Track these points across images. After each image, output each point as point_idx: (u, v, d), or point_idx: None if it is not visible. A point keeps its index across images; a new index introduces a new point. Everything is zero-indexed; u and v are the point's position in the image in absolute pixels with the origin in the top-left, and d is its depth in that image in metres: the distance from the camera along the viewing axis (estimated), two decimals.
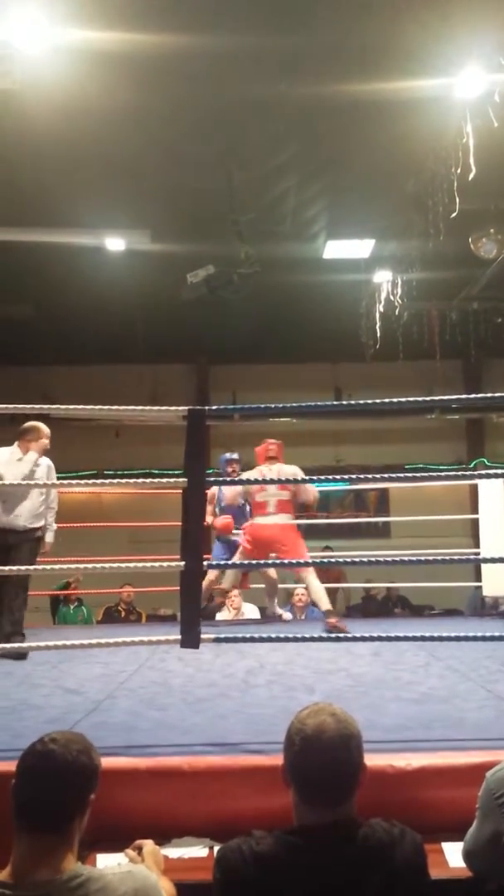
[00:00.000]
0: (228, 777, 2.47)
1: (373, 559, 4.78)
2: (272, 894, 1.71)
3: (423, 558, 4.26)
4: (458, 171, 6.25)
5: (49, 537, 5.47)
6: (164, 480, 3.78)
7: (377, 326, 9.63)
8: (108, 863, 2.10)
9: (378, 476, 4.58)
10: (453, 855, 2.21)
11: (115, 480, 4.90)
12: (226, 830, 2.06)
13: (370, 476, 4.71)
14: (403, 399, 3.35)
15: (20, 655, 4.68)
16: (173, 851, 2.28)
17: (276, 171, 7.40)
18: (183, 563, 3.20)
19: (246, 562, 6.17)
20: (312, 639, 3.63)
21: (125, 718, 3.15)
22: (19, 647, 4.49)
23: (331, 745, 1.80)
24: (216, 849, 1.94)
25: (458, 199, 6.48)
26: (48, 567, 4.59)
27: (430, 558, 4.27)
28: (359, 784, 1.84)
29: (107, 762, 2.42)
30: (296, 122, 6.65)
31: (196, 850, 2.32)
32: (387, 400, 3.34)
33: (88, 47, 5.45)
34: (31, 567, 4.40)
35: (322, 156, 7.24)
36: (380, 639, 3.27)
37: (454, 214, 6.64)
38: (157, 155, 7.03)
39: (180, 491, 3.33)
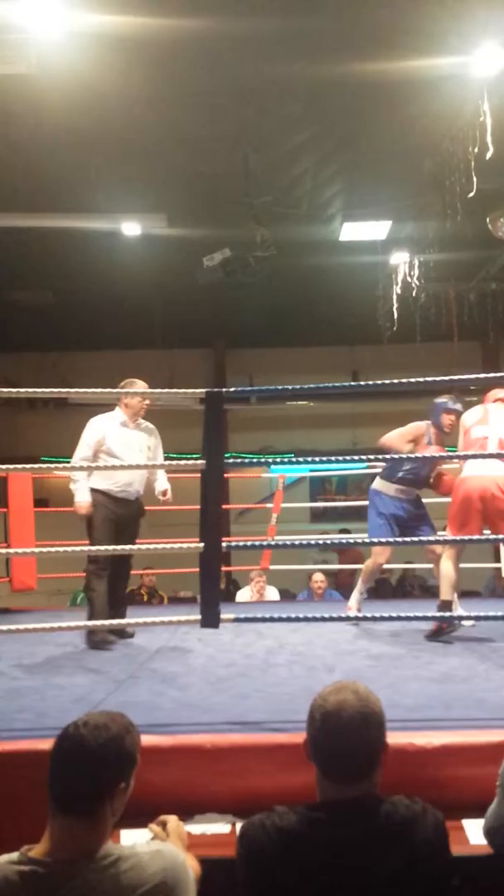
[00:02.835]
0: (250, 754, 2.50)
1: (393, 540, 4.79)
2: (295, 869, 1.74)
3: (441, 538, 4.26)
4: (476, 150, 6.18)
5: (167, 488, 5.04)
6: (182, 463, 3.79)
7: (394, 309, 9.57)
8: (133, 838, 2.14)
9: (396, 457, 4.57)
10: (474, 832, 2.23)
11: (134, 464, 4.90)
12: (248, 807, 2.09)
13: (388, 457, 4.71)
14: (421, 379, 3.35)
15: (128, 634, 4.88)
16: (196, 827, 2.32)
17: (291, 154, 7.36)
18: (202, 544, 3.22)
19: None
20: (331, 619, 3.65)
21: (147, 698, 3.19)
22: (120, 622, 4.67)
23: (350, 722, 1.83)
24: (238, 825, 1.97)
25: (475, 179, 6.41)
26: (69, 549, 4.64)
27: (450, 538, 4.27)
28: (380, 762, 1.86)
29: None
30: (311, 104, 6.60)
31: (219, 827, 2.35)
32: (404, 380, 3.33)
33: (103, 31, 5.42)
34: (54, 549, 4.44)
35: (338, 137, 7.19)
36: (398, 619, 3.28)
37: (472, 194, 6.57)
38: (173, 138, 7.01)
39: (198, 474, 3.34)
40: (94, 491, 4.77)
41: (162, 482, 5.05)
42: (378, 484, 5.31)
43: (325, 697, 1.89)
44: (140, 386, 4.99)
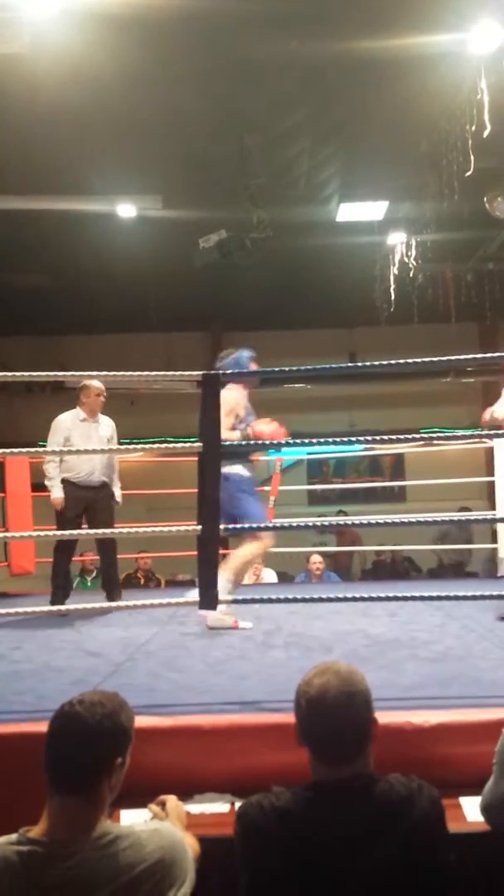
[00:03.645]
0: (248, 735, 2.51)
1: (391, 521, 4.78)
2: (292, 848, 1.75)
3: (439, 519, 4.26)
4: (473, 128, 6.15)
5: (118, 494, 5.60)
6: (179, 446, 3.79)
7: (391, 289, 9.55)
8: (132, 818, 2.15)
9: (394, 437, 4.58)
10: (471, 809, 2.25)
11: (131, 446, 4.96)
12: (246, 786, 2.10)
13: (385, 438, 4.70)
14: (418, 360, 3.33)
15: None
16: (195, 807, 2.33)
17: (287, 134, 7.31)
18: (200, 527, 3.23)
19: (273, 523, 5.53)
20: (329, 599, 3.66)
21: (146, 680, 3.20)
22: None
23: (335, 705, 1.84)
24: (237, 804, 1.99)
25: (472, 158, 6.39)
26: (67, 533, 4.64)
27: (447, 519, 4.27)
28: (371, 738, 1.87)
29: None
30: (307, 83, 6.55)
31: (218, 806, 2.36)
32: (401, 361, 3.32)
33: (97, 10, 5.38)
34: (52, 533, 4.45)
35: (334, 117, 7.14)
36: (396, 598, 3.30)
37: (469, 173, 6.54)
38: (168, 119, 6.96)
39: (196, 458, 3.34)
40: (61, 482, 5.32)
41: (117, 491, 5.57)
42: (234, 469, 4.62)
43: (308, 682, 1.90)
44: (94, 389, 5.42)
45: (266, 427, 4.75)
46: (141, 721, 2.50)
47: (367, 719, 1.87)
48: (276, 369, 3.66)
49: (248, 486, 4.66)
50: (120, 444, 5.94)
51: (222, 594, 4.01)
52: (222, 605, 4.03)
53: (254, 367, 4.99)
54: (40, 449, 4.71)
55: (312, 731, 1.86)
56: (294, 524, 6.07)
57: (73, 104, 6.52)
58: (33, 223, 8.45)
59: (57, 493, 5.24)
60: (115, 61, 6.01)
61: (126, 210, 8.42)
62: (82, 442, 5.32)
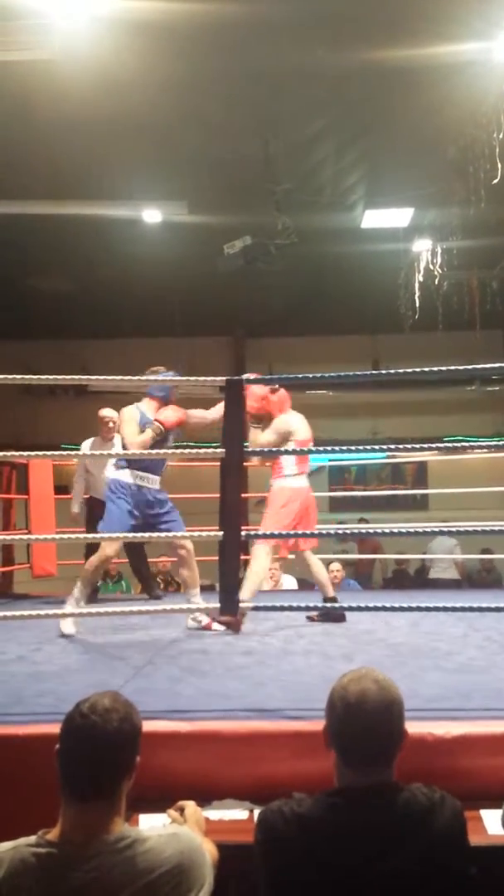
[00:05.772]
0: (268, 742, 2.50)
1: (412, 530, 4.76)
2: (312, 855, 1.74)
3: (462, 528, 4.23)
4: (500, 136, 6.14)
5: None
6: (202, 451, 3.79)
7: (416, 297, 9.51)
8: (151, 823, 2.15)
9: (416, 446, 4.57)
10: (492, 822, 2.23)
11: (152, 451, 4.93)
12: (265, 793, 2.09)
13: (408, 446, 4.69)
14: (443, 368, 3.31)
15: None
16: (214, 813, 2.32)
17: (313, 140, 7.32)
18: (221, 532, 3.23)
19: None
20: (350, 608, 3.65)
21: (166, 684, 3.21)
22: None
23: (373, 712, 1.82)
24: (256, 811, 1.98)
25: (499, 165, 6.36)
26: (89, 536, 4.66)
27: (470, 529, 4.24)
28: (400, 749, 1.86)
29: (149, 725, 2.46)
30: (333, 90, 6.56)
31: (237, 813, 2.36)
32: (426, 369, 3.31)
33: (125, 17, 5.41)
34: (74, 535, 4.47)
35: (360, 123, 7.14)
36: (418, 609, 3.28)
37: (496, 181, 6.52)
38: (194, 125, 6.98)
39: (217, 463, 3.34)
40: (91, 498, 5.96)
41: None
42: (113, 473, 4.76)
43: (345, 687, 1.87)
44: (108, 415, 5.89)
45: (170, 413, 4.69)
46: (161, 726, 2.51)
47: (402, 730, 1.86)
48: (299, 375, 3.67)
49: (119, 492, 4.55)
50: None
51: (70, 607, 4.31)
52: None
53: (177, 391, 5.07)
54: (64, 452, 4.72)
55: (347, 735, 1.84)
56: (315, 531, 6.03)
57: (101, 110, 6.56)
58: (59, 228, 8.52)
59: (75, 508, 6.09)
60: (143, 68, 6.04)
61: (151, 215, 8.47)
62: (96, 469, 5.82)
